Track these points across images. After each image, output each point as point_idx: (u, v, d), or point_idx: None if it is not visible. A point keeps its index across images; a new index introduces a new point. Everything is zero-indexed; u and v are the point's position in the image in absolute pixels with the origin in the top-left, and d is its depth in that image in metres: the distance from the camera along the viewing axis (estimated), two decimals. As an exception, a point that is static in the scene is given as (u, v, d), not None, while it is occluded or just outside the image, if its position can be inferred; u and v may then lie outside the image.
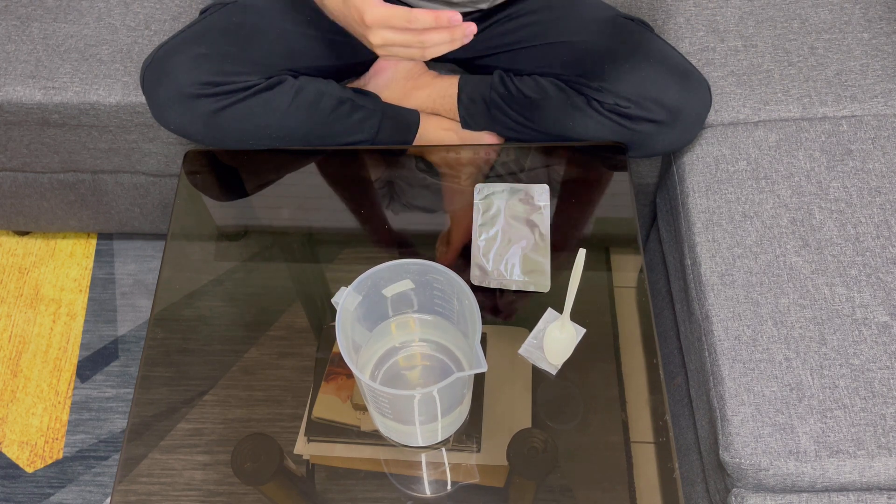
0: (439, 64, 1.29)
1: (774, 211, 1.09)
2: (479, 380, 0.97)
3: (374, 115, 1.19)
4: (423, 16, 0.83)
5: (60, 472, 1.42)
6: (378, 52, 0.90)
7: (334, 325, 0.82)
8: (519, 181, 1.14)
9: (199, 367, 1.00)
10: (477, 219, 1.09)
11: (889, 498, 0.92)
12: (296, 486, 0.92)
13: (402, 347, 0.97)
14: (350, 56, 1.22)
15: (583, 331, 1.00)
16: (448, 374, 0.95)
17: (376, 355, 0.96)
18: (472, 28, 0.84)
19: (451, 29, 0.84)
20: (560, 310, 0.99)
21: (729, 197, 1.11)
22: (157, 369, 1.00)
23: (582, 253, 0.92)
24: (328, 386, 0.98)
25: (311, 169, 1.17)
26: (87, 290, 1.62)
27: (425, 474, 0.92)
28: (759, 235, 1.07)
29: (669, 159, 1.24)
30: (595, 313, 1.01)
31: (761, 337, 0.99)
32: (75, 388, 1.50)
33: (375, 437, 0.94)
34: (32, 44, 1.29)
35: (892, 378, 0.96)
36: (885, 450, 0.91)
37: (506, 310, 1.03)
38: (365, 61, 1.27)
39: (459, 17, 0.83)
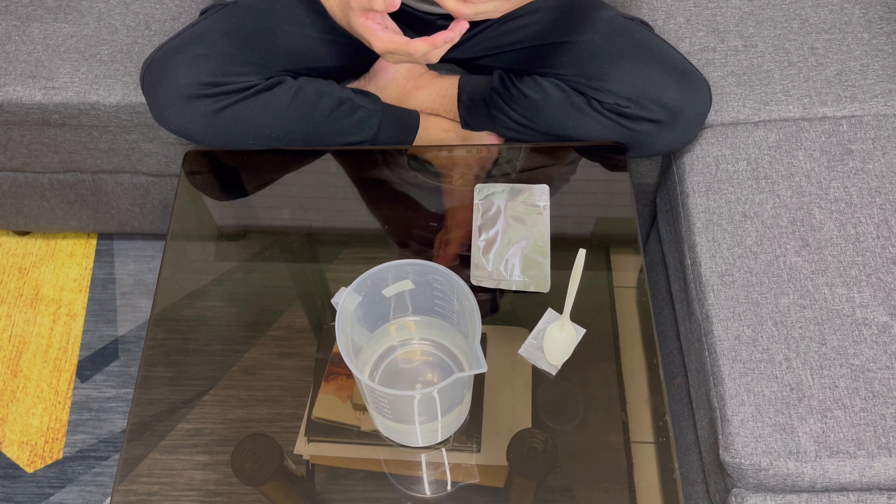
0: (439, 64, 1.29)
1: (774, 211, 1.09)
2: (479, 380, 0.97)
3: (374, 115, 1.19)
4: (420, 45, 0.91)
5: (60, 472, 1.42)
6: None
7: (334, 325, 0.82)
8: (519, 181, 1.14)
9: (199, 367, 1.00)
10: (477, 219, 1.09)
11: (889, 498, 0.92)
12: (296, 487, 0.92)
13: (402, 347, 0.97)
14: (350, 57, 1.22)
15: (583, 331, 1.00)
16: (448, 374, 0.95)
17: (376, 355, 0.96)
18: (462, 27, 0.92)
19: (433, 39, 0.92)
20: (560, 310, 0.99)
21: (729, 197, 1.11)
22: (157, 369, 1.00)
23: (582, 253, 0.92)
24: (328, 386, 0.98)
25: (311, 169, 1.17)
26: (87, 290, 1.62)
27: (425, 474, 0.92)
28: (759, 235, 1.07)
29: (669, 159, 1.24)
30: (595, 313, 1.01)
31: (761, 337, 0.99)
32: (75, 388, 1.50)
33: (375, 437, 0.94)
34: (32, 44, 1.29)
35: (892, 378, 0.95)
36: (885, 450, 0.91)
37: (505, 310, 1.03)
38: (365, 62, 1.27)
39: (455, 35, 0.91)
